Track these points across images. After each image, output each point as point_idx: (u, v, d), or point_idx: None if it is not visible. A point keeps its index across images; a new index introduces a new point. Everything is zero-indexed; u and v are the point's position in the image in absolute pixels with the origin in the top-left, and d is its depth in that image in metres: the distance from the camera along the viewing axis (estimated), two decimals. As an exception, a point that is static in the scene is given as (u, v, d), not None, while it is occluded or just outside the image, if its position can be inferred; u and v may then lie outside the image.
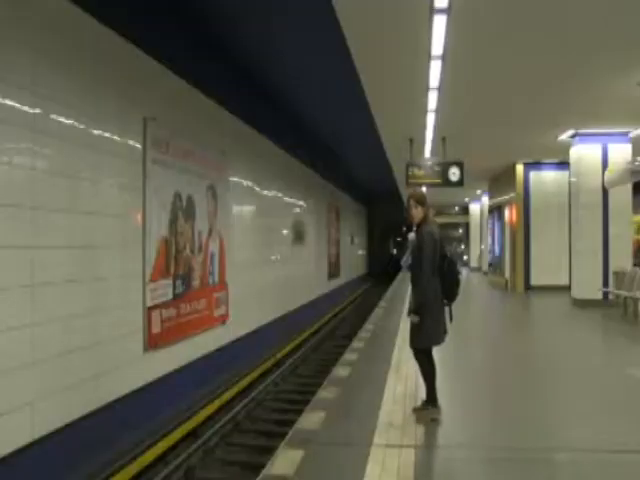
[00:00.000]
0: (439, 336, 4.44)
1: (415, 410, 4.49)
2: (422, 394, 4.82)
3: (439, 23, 5.51)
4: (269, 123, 11.95)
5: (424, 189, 17.63)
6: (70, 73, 5.25)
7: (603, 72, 7.32)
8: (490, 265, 20.91)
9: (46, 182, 4.88)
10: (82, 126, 5.42)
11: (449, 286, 4.41)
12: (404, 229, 33.23)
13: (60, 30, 5.12)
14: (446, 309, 4.49)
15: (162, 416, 6.71)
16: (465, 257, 30.93)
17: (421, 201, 4.52)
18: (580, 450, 3.89)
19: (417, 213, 4.51)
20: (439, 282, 4.37)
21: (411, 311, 4.38)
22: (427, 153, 12.85)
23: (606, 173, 11.29)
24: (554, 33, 5.99)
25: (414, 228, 4.61)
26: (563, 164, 14.28)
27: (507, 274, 16.64)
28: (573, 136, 11.43)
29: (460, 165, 11.27)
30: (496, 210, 19.10)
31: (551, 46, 6.35)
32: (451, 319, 4.51)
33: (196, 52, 8.18)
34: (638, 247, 15.36)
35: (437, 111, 9.06)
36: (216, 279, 8.73)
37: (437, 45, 6.10)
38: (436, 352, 4.60)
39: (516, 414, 4.73)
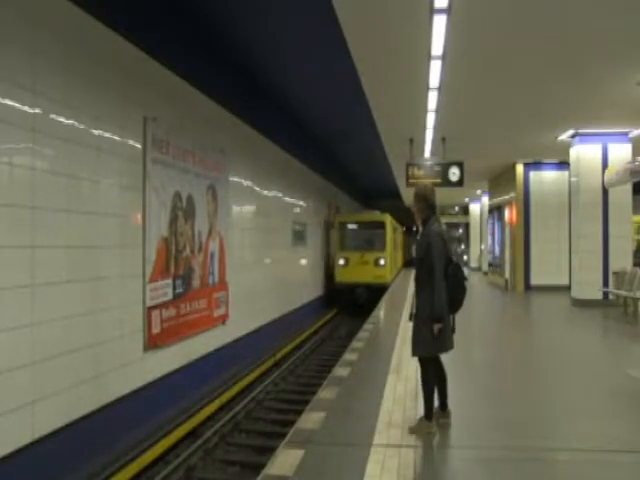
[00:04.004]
0: (446, 343, 4.17)
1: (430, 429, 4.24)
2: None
3: (439, 23, 5.51)
4: (269, 123, 11.95)
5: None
6: (70, 73, 5.24)
7: (603, 72, 7.32)
8: (490, 265, 20.90)
9: (46, 182, 4.88)
10: (82, 126, 5.42)
11: (453, 294, 4.12)
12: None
13: (60, 30, 5.12)
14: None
15: (162, 416, 6.71)
16: (465, 257, 30.91)
17: (425, 196, 4.26)
18: (580, 450, 3.89)
19: (419, 209, 4.25)
20: (445, 287, 4.08)
21: (431, 319, 4.06)
22: (427, 153, 12.87)
23: (606, 173, 11.30)
24: (554, 33, 5.99)
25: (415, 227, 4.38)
26: (563, 164, 14.31)
27: (507, 274, 16.64)
28: (573, 136, 11.44)
29: (460, 165, 11.28)
30: (496, 210, 19.10)
31: (551, 46, 6.36)
32: (453, 330, 4.22)
33: (196, 52, 8.18)
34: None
35: (437, 111, 9.07)
36: (216, 279, 8.73)
37: (437, 45, 6.11)
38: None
39: (516, 414, 4.73)
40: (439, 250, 4.08)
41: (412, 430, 4.18)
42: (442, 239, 4.14)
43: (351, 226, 19.00)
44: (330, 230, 19.50)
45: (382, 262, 17.99)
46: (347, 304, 18.11)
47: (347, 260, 18.07)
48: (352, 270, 17.91)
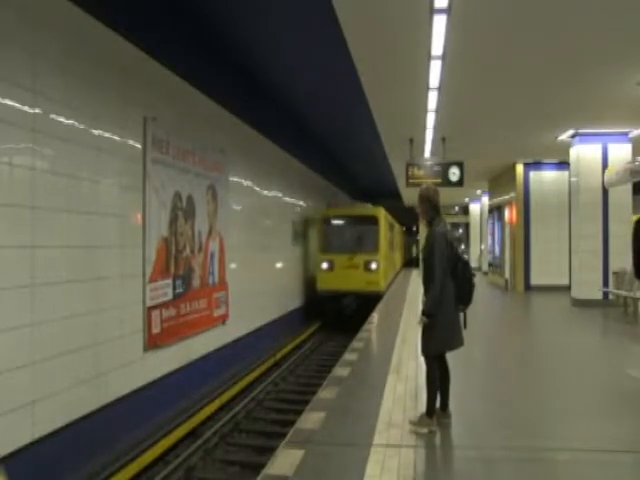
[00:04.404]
0: (453, 341, 4.22)
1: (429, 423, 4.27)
2: (425, 396, 4.81)
3: (439, 23, 5.51)
4: (269, 123, 11.95)
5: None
6: (70, 73, 5.24)
7: (603, 72, 7.32)
8: (490, 265, 20.90)
9: (46, 182, 4.88)
10: (82, 126, 5.42)
11: (463, 290, 4.21)
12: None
13: (60, 30, 5.12)
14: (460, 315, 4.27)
15: (162, 416, 6.71)
16: (465, 257, 30.87)
17: (429, 198, 4.34)
18: (580, 450, 3.89)
19: (424, 211, 4.35)
20: (453, 285, 4.16)
21: (422, 313, 4.16)
22: (427, 153, 12.86)
23: (606, 173, 11.30)
24: (554, 33, 5.99)
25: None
26: (563, 164, 14.31)
27: (507, 274, 16.64)
28: (573, 136, 11.44)
29: (460, 165, 11.27)
30: (496, 210, 19.09)
31: (551, 46, 6.35)
32: (465, 325, 4.30)
33: (196, 52, 8.18)
34: None
35: (437, 111, 9.07)
36: (216, 279, 8.73)
37: (437, 45, 6.10)
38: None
39: (516, 414, 4.73)
40: (441, 250, 4.12)
41: (413, 424, 4.21)
42: (445, 240, 4.17)
43: (336, 222, 15.83)
44: (310, 227, 16.34)
45: (374, 266, 15.01)
46: (332, 317, 15.34)
47: (332, 263, 15.06)
48: (338, 275, 14.93)
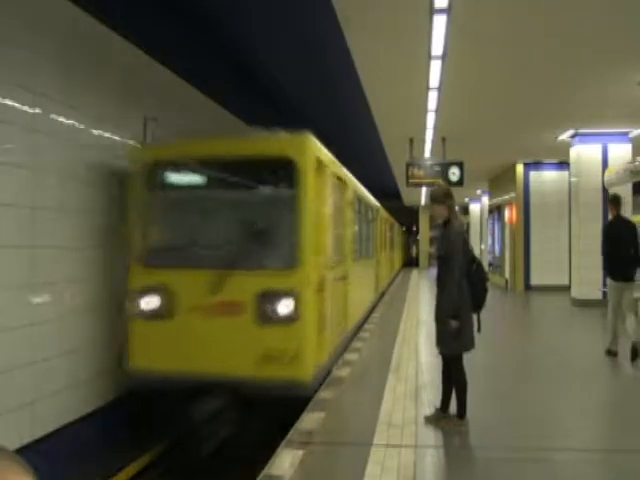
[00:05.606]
0: (468, 342, 4.19)
1: (427, 418, 4.31)
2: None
3: (439, 23, 5.51)
4: (269, 124, 11.93)
5: (424, 188, 17.56)
6: (70, 73, 5.24)
7: (603, 72, 7.32)
8: (490, 265, 20.92)
9: (46, 182, 4.87)
10: (82, 126, 5.41)
11: (477, 293, 4.15)
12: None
13: (60, 30, 5.11)
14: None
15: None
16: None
17: (442, 196, 4.31)
18: (580, 450, 3.89)
19: (439, 211, 4.29)
20: (467, 286, 4.10)
21: (446, 317, 4.10)
22: (427, 153, 12.86)
23: (606, 173, 11.30)
24: (554, 33, 5.99)
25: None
26: (563, 164, 14.31)
27: (507, 274, 16.65)
28: (573, 136, 11.44)
29: (460, 165, 11.28)
30: (496, 210, 19.11)
31: (551, 46, 6.36)
32: (479, 329, 4.24)
33: (197, 52, 8.18)
34: None
35: (437, 111, 9.07)
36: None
37: (437, 45, 6.11)
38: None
39: (516, 414, 4.73)
40: (458, 248, 4.09)
41: (441, 426, 4.19)
42: (463, 238, 4.17)
43: (178, 179, 5.94)
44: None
45: (287, 308, 4.95)
46: (185, 442, 5.29)
47: (165, 298, 5.16)
48: (181, 334, 5.11)
